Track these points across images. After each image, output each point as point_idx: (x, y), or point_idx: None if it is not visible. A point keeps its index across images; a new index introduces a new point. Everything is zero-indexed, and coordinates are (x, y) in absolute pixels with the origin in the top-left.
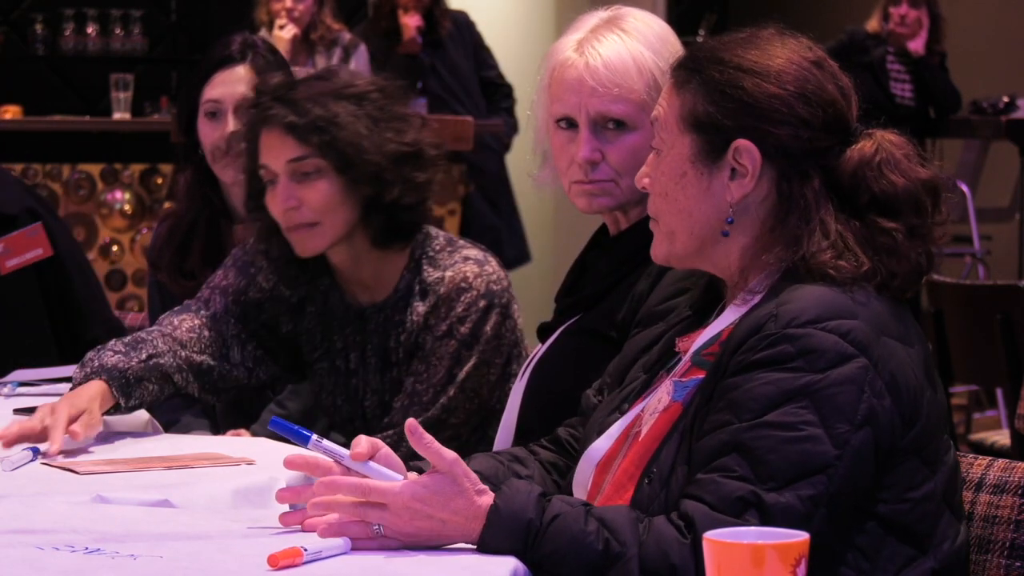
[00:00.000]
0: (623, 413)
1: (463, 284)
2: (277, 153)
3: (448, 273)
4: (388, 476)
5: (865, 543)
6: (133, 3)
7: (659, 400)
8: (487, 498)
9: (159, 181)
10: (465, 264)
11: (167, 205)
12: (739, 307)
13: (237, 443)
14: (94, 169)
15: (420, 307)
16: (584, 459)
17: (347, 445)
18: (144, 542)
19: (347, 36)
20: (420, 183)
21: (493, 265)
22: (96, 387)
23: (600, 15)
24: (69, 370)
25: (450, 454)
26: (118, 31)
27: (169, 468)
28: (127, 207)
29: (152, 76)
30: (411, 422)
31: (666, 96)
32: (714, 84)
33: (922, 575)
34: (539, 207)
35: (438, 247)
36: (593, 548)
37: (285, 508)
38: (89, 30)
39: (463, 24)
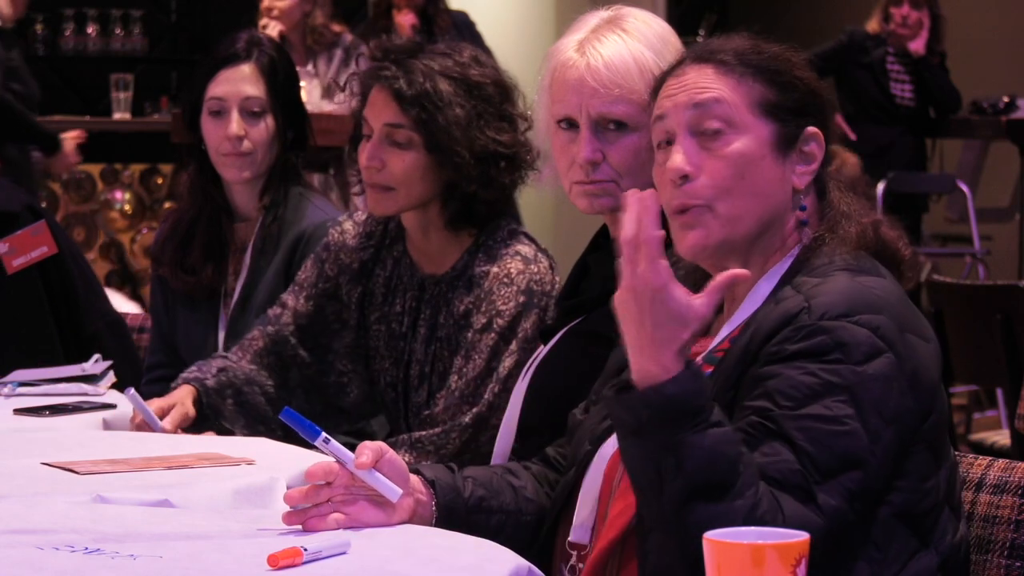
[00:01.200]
0: None
1: (505, 279)
2: (379, 112)
3: (494, 268)
4: (389, 486)
5: (877, 534)
6: (133, 3)
7: None
8: (682, 362)
9: (159, 181)
10: (513, 260)
11: (167, 206)
12: (751, 304)
13: (237, 443)
14: (94, 169)
15: (466, 299)
16: (598, 459)
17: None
18: (144, 542)
19: (348, 38)
20: (504, 183)
21: (542, 265)
22: (184, 389)
23: (601, 15)
24: (69, 370)
25: (709, 310)
26: (118, 31)
27: (169, 468)
28: (127, 207)
29: (152, 76)
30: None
31: (714, 82)
32: (777, 74)
33: (927, 567)
34: (539, 207)
35: (499, 238)
36: (732, 476)
37: (285, 508)
38: (89, 30)
39: (463, 24)
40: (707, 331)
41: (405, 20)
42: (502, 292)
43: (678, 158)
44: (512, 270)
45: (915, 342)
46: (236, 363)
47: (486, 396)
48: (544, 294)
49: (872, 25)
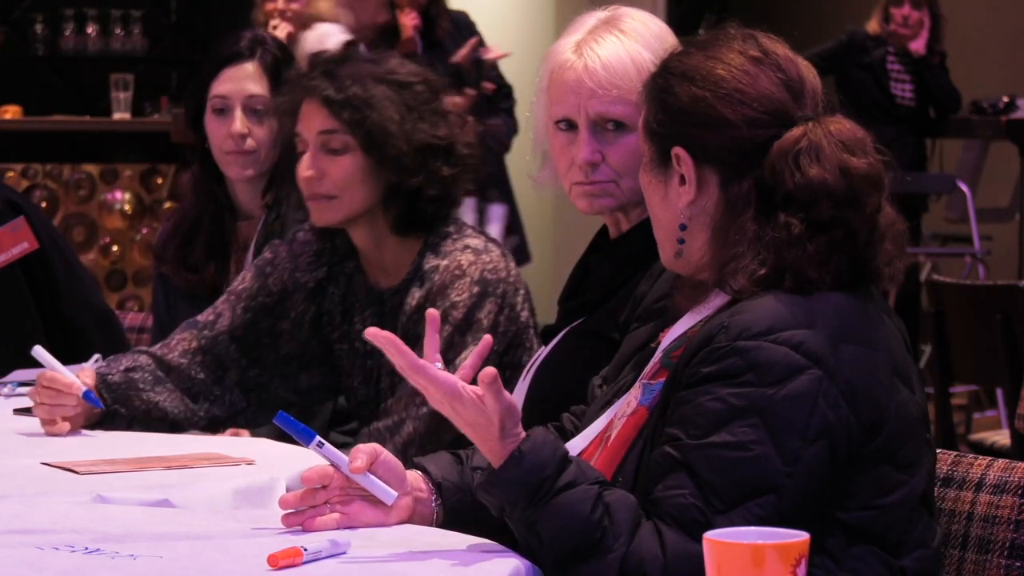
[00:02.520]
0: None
1: (457, 271)
2: (311, 123)
3: (444, 262)
4: (384, 489)
5: (832, 545)
6: (133, 3)
7: (628, 404)
8: (514, 441)
9: (159, 181)
10: (463, 253)
11: (167, 206)
12: (696, 313)
13: (237, 443)
14: (94, 169)
15: (417, 293)
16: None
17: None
18: (144, 542)
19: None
20: (445, 177)
21: (493, 254)
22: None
23: (598, 15)
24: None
25: (504, 401)
26: (118, 31)
27: (169, 468)
28: (127, 207)
29: (152, 76)
30: (489, 371)
31: (644, 101)
32: (657, 92)
33: (893, 574)
34: (539, 207)
35: (445, 235)
36: (591, 535)
37: (283, 510)
38: (89, 30)
39: (463, 24)
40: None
41: (408, 20)
42: (456, 285)
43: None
44: (463, 262)
45: (853, 352)
46: (163, 356)
47: None
48: (500, 281)
49: (872, 26)
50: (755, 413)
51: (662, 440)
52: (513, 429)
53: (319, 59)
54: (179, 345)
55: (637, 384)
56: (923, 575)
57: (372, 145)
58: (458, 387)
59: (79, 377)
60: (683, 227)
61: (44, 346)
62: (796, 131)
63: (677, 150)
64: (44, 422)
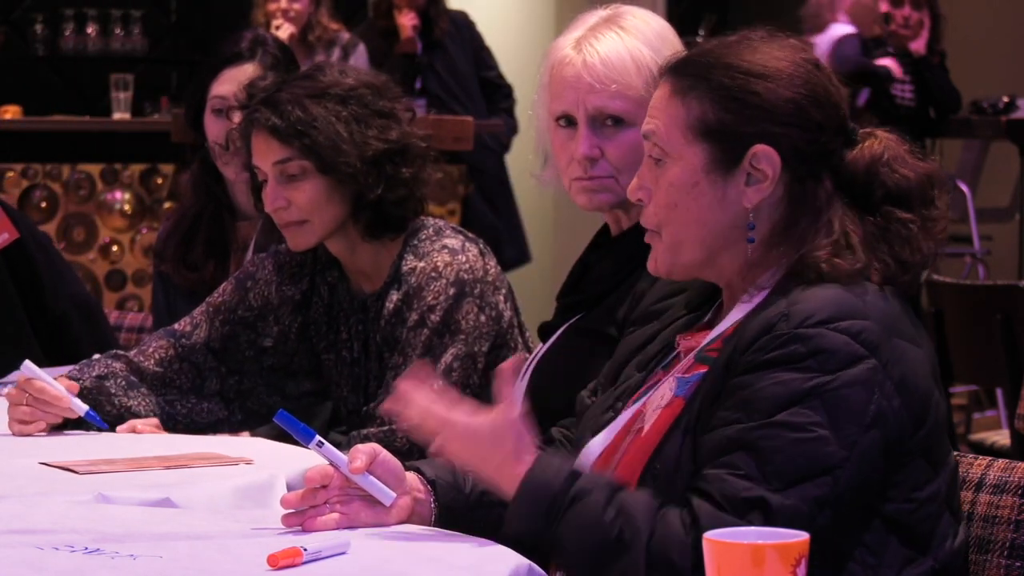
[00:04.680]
0: (617, 412)
1: (433, 273)
2: (264, 155)
3: (421, 263)
4: (383, 490)
5: (871, 540)
6: (133, 3)
7: (662, 396)
8: (523, 468)
9: (159, 181)
10: (440, 253)
11: (167, 206)
12: (746, 304)
13: (236, 443)
14: (94, 169)
15: (395, 296)
16: (581, 457)
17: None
18: (144, 542)
19: (345, 36)
20: (406, 178)
21: (470, 254)
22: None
23: (599, 14)
24: (69, 370)
25: (514, 413)
26: (118, 31)
27: (168, 468)
28: (127, 207)
29: (152, 76)
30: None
31: (663, 104)
32: (726, 90)
33: (922, 574)
34: (539, 207)
35: (424, 237)
36: (608, 535)
37: (285, 509)
38: (89, 30)
39: (463, 24)
40: (706, 324)
41: (407, 21)
42: (432, 287)
43: (634, 181)
44: (439, 263)
45: (905, 347)
46: (139, 363)
47: None
48: (477, 281)
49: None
50: (816, 397)
51: (715, 424)
52: (525, 454)
53: (255, 89)
54: (156, 353)
55: (670, 378)
56: (947, 573)
57: (327, 166)
58: (469, 424)
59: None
60: (752, 226)
61: (28, 335)
62: (875, 141)
63: (760, 148)
64: (19, 422)
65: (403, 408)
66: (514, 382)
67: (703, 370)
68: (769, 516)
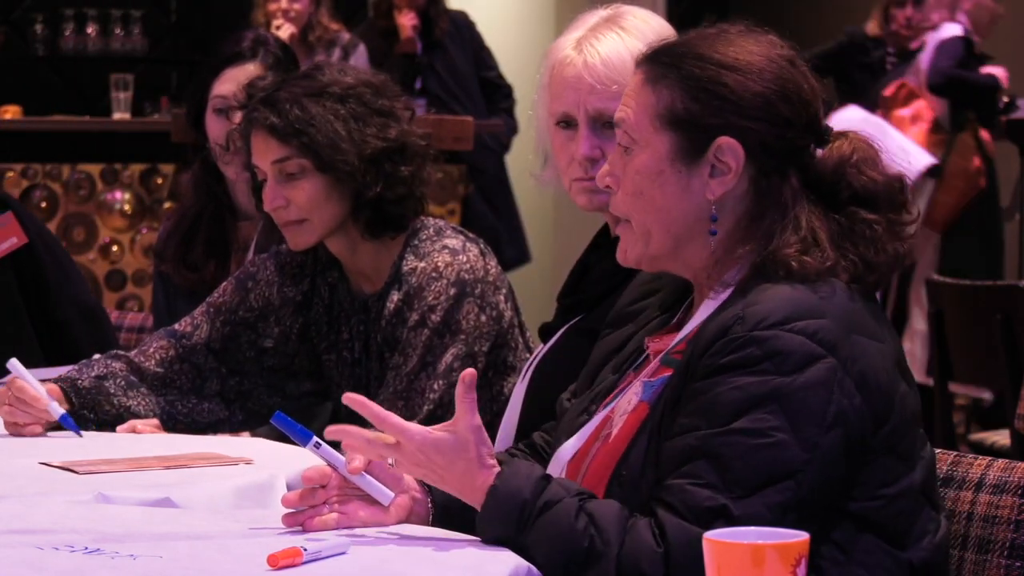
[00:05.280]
0: (591, 415)
1: (433, 274)
2: (263, 155)
3: (422, 264)
4: (381, 490)
5: (840, 537)
6: (133, 3)
7: (628, 401)
8: (490, 475)
9: (159, 181)
10: (440, 254)
11: (167, 206)
12: (712, 302)
13: (236, 443)
14: (94, 169)
15: (396, 296)
16: (554, 460)
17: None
18: (144, 542)
19: (346, 36)
20: (405, 176)
21: (471, 254)
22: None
23: (600, 14)
24: (69, 370)
25: (476, 420)
26: (118, 31)
27: (168, 468)
28: (127, 207)
29: (152, 76)
30: (470, 371)
31: (635, 92)
32: (695, 80)
33: (900, 567)
34: (539, 207)
35: (424, 237)
36: (579, 545)
37: (284, 509)
38: (89, 30)
39: (463, 24)
40: (675, 326)
41: (407, 21)
42: (432, 287)
43: (604, 167)
44: (440, 263)
45: (865, 344)
46: (140, 363)
47: (431, 395)
48: (477, 281)
49: (871, 27)
50: (774, 400)
51: (677, 431)
52: (488, 460)
53: (254, 88)
54: (156, 353)
55: (637, 382)
56: (928, 567)
57: (325, 164)
58: (429, 432)
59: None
60: (714, 218)
61: (31, 338)
62: (845, 142)
63: (725, 140)
64: (6, 424)
65: (349, 433)
66: (474, 388)
67: (668, 373)
68: (732, 523)
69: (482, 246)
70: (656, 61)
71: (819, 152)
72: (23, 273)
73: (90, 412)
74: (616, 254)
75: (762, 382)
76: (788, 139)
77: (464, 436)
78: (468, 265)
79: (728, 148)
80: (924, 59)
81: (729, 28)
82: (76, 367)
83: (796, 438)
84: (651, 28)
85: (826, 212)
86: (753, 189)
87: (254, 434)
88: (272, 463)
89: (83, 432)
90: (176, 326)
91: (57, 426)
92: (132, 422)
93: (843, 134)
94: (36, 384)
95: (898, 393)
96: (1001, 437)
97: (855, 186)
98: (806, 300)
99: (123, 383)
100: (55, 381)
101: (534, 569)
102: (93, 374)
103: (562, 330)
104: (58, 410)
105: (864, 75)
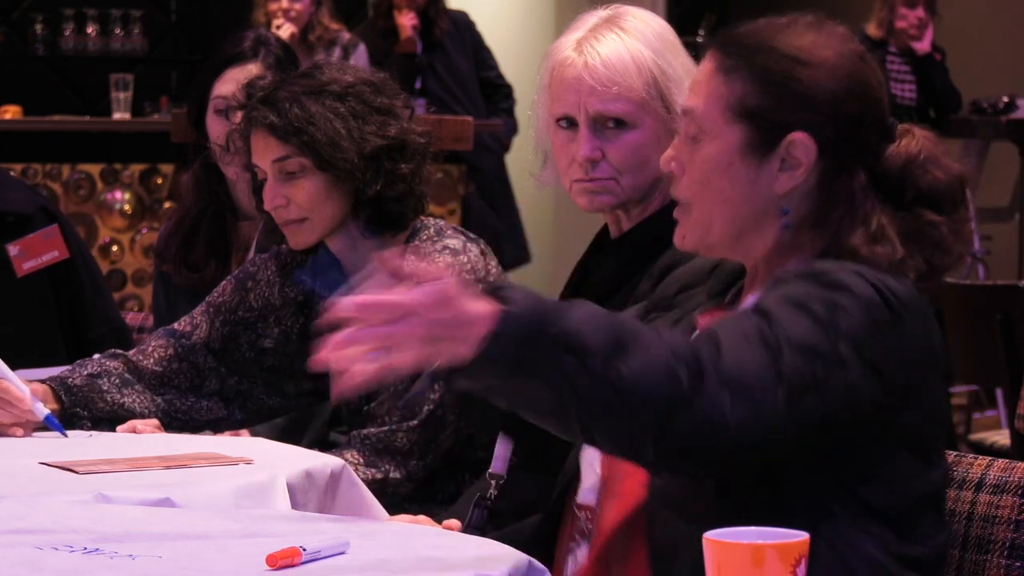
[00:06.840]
0: None
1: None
2: (263, 153)
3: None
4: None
5: (846, 522)
6: (133, 3)
7: None
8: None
9: (159, 181)
10: (441, 255)
11: (167, 206)
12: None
13: (236, 443)
14: (94, 169)
15: None
16: None
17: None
18: (143, 542)
19: (346, 36)
20: (405, 174)
21: (471, 254)
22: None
23: (600, 14)
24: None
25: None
26: (118, 31)
27: (168, 468)
28: (127, 207)
29: (152, 76)
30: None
31: (707, 80)
32: (769, 74)
33: (900, 561)
34: (539, 207)
35: (425, 237)
36: (620, 325)
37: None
38: (89, 30)
39: (463, 24)
40: (727, 303)
41: (407, 20)
42: None
43: (668, 152)
44: (440, 265)
45: (918, 322)
46: (138, 362)
47: (431, 394)
48: (479, 281)
49: (872, 29)
50: (827, 305)
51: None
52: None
53: (254, 88)
54: (155, 352)
55: None
56: (928, 564)
57: (325, 163)
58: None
59: (32, 390)
60: (786, 211)
61: (62, 354)
62: (911, 139)
63: (798, 136)
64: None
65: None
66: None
67: None
68: (779, 362)
69: (482, 246)
70: (728, 50)
71: (886, 150)
72: (59, 288)
73: (83, 409)
74: (674, 238)
75: (821, 295)
76: (859, 137)
77: (442, 289)
78: (469, 265)
79: (801, 144)
80: None
81: (800, 19)
82: (70, 367)
83: (834, 345)
84: (651, 29)
85: (895, 211)
86: (820, 185)
87: (254, 434)
88: (272, 463)
89: (84, 432)
90: (175, 325)
91: (45, 427)
92: (132, 422)
93: (908, 130)
94: (21, 384)
95: (933, 387)
96: (1001, 437)
97: (920, 185)
98: (877, 275)
99: (118, 380)
100: (44, 381)
101: (535, 563)
102: (86, 372)
103: None
104: (43, 410)
105: None
